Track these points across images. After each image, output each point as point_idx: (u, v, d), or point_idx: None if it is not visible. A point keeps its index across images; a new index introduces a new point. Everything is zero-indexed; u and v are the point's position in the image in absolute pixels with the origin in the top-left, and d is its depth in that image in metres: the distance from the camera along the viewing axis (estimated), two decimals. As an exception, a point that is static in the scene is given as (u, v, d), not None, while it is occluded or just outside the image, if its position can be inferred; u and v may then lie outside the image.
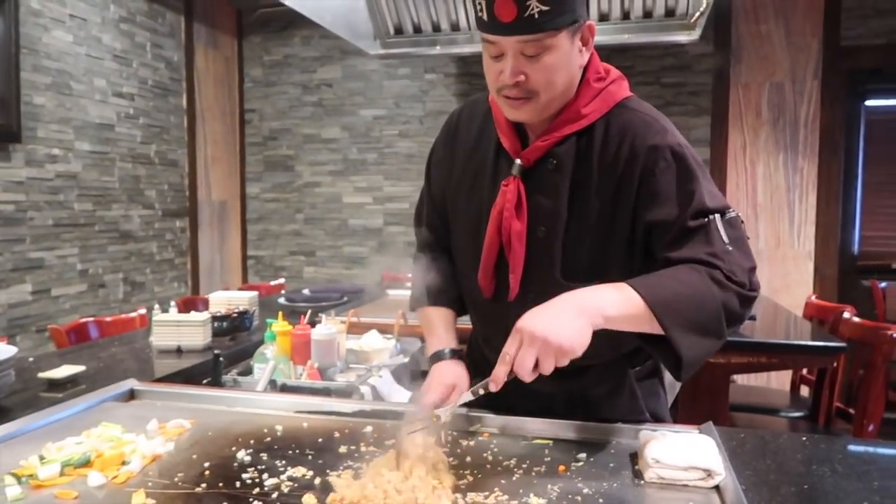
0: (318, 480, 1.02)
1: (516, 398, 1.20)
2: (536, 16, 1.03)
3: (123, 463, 1.06)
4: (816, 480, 1.04)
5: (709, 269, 1.05)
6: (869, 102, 4.15)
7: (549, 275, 1.18)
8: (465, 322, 1.43)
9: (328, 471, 1.05)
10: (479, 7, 1.07)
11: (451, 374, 1.23)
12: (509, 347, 0.99)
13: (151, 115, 4.11)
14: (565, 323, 0.98)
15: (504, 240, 1.19)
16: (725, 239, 1.08)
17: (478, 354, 1.40)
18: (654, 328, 1.04)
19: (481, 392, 1.05)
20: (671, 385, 1.40)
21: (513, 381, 1.02)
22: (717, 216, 1.09)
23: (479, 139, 1.28)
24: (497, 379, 1.00)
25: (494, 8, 1.04)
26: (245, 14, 4.95)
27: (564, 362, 0.98)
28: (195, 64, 4.50)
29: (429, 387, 1.20)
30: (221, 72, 4.82)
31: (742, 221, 1.13)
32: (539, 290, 1.16)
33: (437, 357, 1.27)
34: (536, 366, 0.98)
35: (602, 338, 1.02)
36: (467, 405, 1.14)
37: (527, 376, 0.98)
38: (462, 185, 1.30)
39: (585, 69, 1.17)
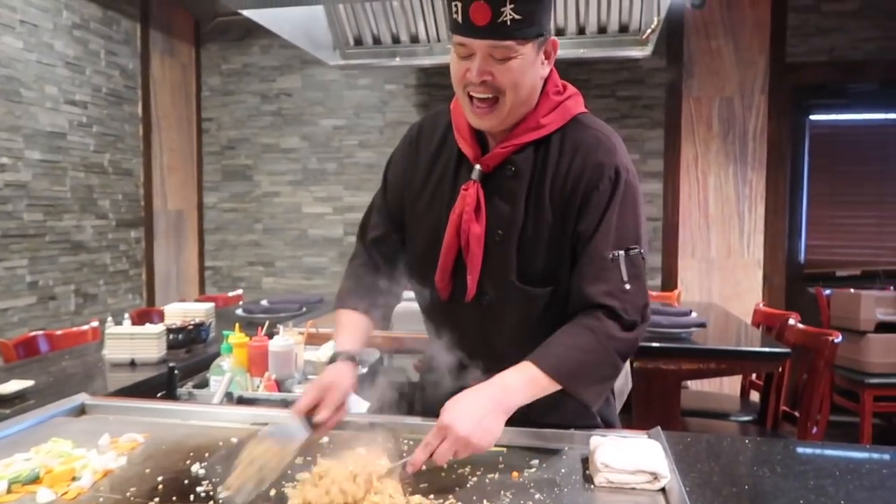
0: (272, 492, 1.02)
1: None
2: (509, 23, 1.09)
3: (74, 479, 1.05)
4: (757, 481, 1.08)
5: (601, 323, 1.16)
6: (813, 117, 4.33)
7: (505, 277, 1.23)
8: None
9: (283, 482, 1.05)
10: (454, 9, 1.11)
11: (332, 375, 1.21)
12: (432, 439, 1.05)
13: (105, 123, 4.03)
14: (486, 424, 1.07)
15: (462, 242, 1.23)
16: (625, 277, 1.18)
17: (432, 359, 1.43)
18: (557, 388, 1.16)
19: (399, 471, 1.06)
20: (620, 391, 1.44)
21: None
22: (623, 253, 1.19)
23: (440, 148, 1.32)
24: (416, 463, 1.05)
25: (470, 11, 1.09)
26: (203, 22, 4.90)
27: (474, 453, 1.07)
28: (151, 72, 4.43)
29: (307, 389, 1.20)
30: (178, 80, 4.76)
31: (644, 259, 1.22)
32: (495, 291, 1.23)
33: (331, 360, 1.28)
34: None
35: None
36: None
37: (443, 463, 1.06)
38: (423, 192, 1.32)
39: (546, 82, 1.23)
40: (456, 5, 1.10)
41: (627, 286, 1.18)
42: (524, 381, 1.13)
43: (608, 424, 1.37)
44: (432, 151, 1.33)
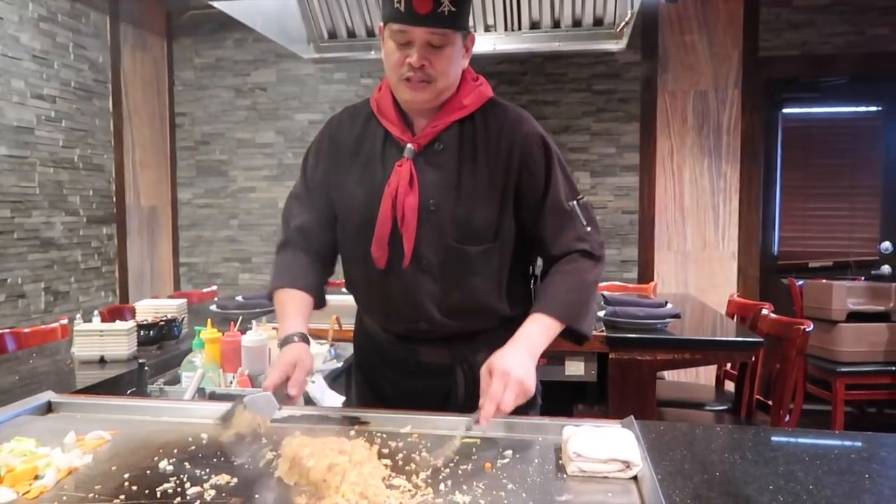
0: (235, 481, 1.01)
1: (416, 378, 1.39)
2: (446, 13, 1.25)
3: (36, 477, 1.02)
4: (727, 468, 1.09)
5: (579, 264, 1.37)
6: (786, 110, 4.38)
7: (442, 241, 1.36)
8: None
9: (253, 476, 1.03)
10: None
11: (294, 354, 1.31)
12: (495, 389, 1.17)
13: (75, 118, 3.96)
14: (530, 370, 1.23)
15: (398, 214, 1.35)
16: (584, 221, 1.39)
17: (363, 339, 1.56)
18: (562, 328, 1.34)
19: (474, 426, 1.17)
20: None
21: (413, 362, 1.34)
22: (575, 203, 1.39)
23: (362, 136, 1.43)
24: (487, 416, 1.16)
25: (413, 1, 1.23)
26: (175, 15, 4.83)
27: (522, 402, 1.21)
28: (122, 66, 4.35)
29: (272, 368, 1.30)
30: (150, 74, 4.69)
31: (590, 204, 1.44)
32: (431, 255, 1.37)
33: (286, 341, 1.35)
34: None
35: (489, 301, 1.38)
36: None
37: (506, 412, 1.18)
38: (350, 175, 1.43)
39: (463, 71, 1.40)
40: None
41: (588, 228, 1.39)
42: (541, 329, 1.30)
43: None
44: (355, 138, 1.44)
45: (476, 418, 1.16)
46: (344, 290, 1.57)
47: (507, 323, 1.41)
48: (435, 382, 1.45)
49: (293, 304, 1.44)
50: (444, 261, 1.37)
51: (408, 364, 1.45)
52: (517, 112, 1.41)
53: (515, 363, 1.21)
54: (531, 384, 1.21)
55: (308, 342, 1.37)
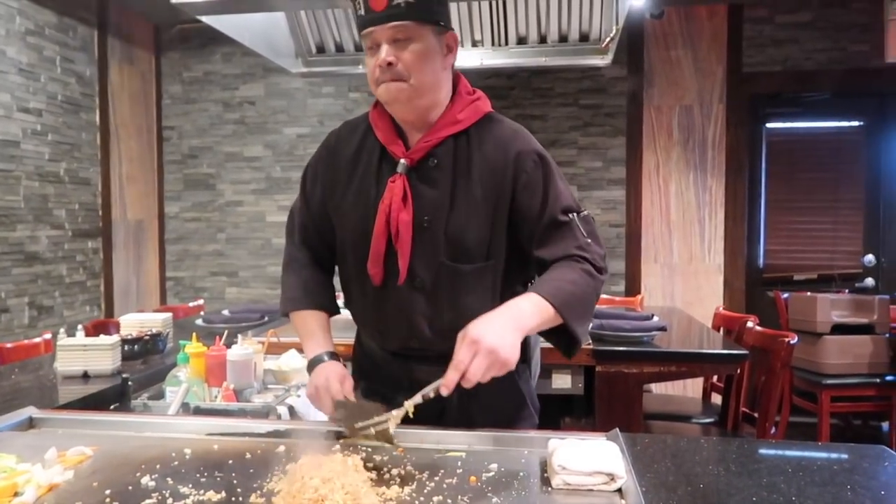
0: (219, 496, 1.00)
1: (409, 394, 1.28)
2: (403, 5, 1.23)
3: (16, 494, 1.01)
4: (711, 480, 1.10)
5: (582, 265, 1.28)
6: (769, 125, 4.44)
7: (435, 259, 1.34)
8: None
9: (239, 491, 1.03)
10: (357, 5, 1.26)
11: (336, 371, 1.33)
12: (463, 355, 1.13)
13: (61, 131, 3.94)
14: (509, 339, 1.16)
15: (392, 230, 1.32)
16: (583, 233, 1.32)
17: (362, 357, 1.54)
18: (555, 322, 1.25)
19: (431, 395, 1.13)
20: (534, 371, 1.56)
21: (407, 379, 1.23)
22: (576, 215, 1.33)
23: (359, 151, 1.41)
24: (450, 384, 1.12)
25: (370, 1, 1.23)
26: (163, 29, 4.84)
27: (502, 374, 1.15)
28: (109, 79, 4.35)
29: (319, 397, 1.31)
30: (137, 88, 4.68)
31: (593, 218, 1.38)
32: (425, 272, 1.34)
33: (317, 361, 1.37)
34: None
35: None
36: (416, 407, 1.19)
37: (474, 382, 1.12)
38: (348, 191, 1.41)
39: (457, 85, 1.38)
40: (358, 2, 1.25)
41: (588, 240, 1.32)
42: (533, 306, 1.22)
43: (531, 401, 1.48)
44: (352, 153, 1.42)
45: (437, 386, 1.13)
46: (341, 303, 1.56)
47: None
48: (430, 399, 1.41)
49: (314, 320, 1.44)
50: (437, 279, 1.34)
51: (402, 382, 1.38)
52: (513, 129, 1.38)
53: (491, 330, 1.15)
54: (509, 355, 1.14)
55: (337, 358, 1.38)
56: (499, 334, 1.14)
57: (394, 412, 1.18)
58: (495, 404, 1.40)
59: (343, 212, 1.42)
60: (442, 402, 1.38)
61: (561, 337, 1.28)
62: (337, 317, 1.52)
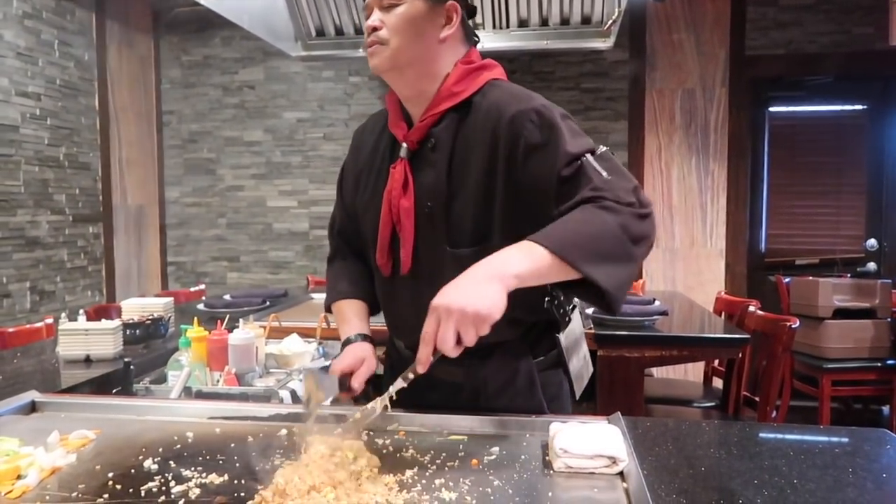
0: (221, 479, 1.00)
1: (424, 390, 1.21)
2: None
3: (19, 477, 1.01)
4: (713, 463, 1.10)
5: (596, 203, 1.09)
6: (772, 109, 4.41)
7: (437, 246, 1.27)
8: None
9: (241, 474, 1.03)
10: None
11: (360, 350, 1.31)
12: (428, 327, 1.03)
13: (60, 115, 3.92)
14: (478, 291, 1.01)
15: (395, 218, 1.28)
16: (602, 172, 1.13)
17: (392, 352, 1.48)
18: (569, 273, 1.06)
19: (411, 377, 1.10)
20: (579, 375, 1.42)
21: (433, 365, 1.07)
22: (588, 156, 1.15)
23: (378, 140, 1.39)
24: (421, 360, 1.05)
25: None
26: (162, 13, 4.80)
27: (485, 330, 1.01)
28: (108, 63, 4.32)
29: (343, 356, 1.30)
30: (136, 72, 4.65)
31: (613, 154, 1.19)
32: (430, 261, 1.28)
33: (347, 342, 1.36)
34: (459, 341, 1.01)
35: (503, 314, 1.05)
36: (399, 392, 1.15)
37: (451, 351, 1.01)
38: (368, 182, 1.38)
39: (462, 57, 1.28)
40: None
41: (609, 177, 1.12)
42: (521, 252, 1.06)
43: (559, 411, 1.35)
44: (372, 144, 1.39)
45: (412, 368, 1.08)
46: None
47: (528, 333, 1.32)
48: (445, 396, 1.32)
49: (350, 309, 1.42)
50: (440, 268, 1.24)
51: (419, 378, 1.22)
52: (512, 92, 1.24)
53: (452, 291, 1.02)
54: (479, 307, 0.99)
55: (373, 343, 1.36)
56: (462, 291, 1.01)
57: (377, 400, 1.16)
58: (509, 413, 1.29)
59: (362, 203, 1.40)
60: (459, 402, 1.31)
61: (589, 288, 1.08)
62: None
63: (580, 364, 1.43)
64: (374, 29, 1.23)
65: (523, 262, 1.05)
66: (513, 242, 1.11)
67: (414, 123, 1.30)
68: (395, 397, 1.15)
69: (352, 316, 1.41)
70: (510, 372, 1.33)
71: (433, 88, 1.26)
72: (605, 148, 1.18)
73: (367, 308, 1.45)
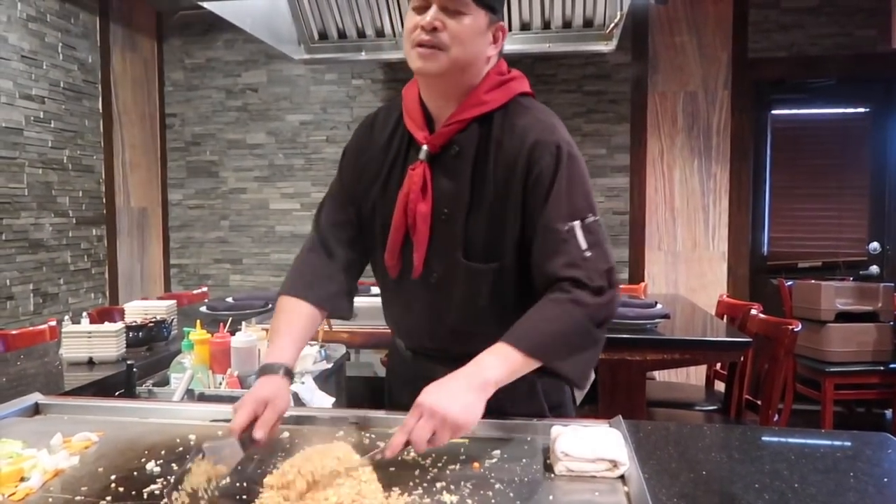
0: (224, 482, 1.00)
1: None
2: None
3: (22, 479, 1.02)
4: (714, 467, 1.10)
5: (567, 294, 1.16)
6: (774, 111, 4.41)
7: (451, 254, 1.26)
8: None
9: (242, 477, 1.03)
10: None
11: (270, 389, 1.14)
12: (409, 419, 1.04)
13: (64, 118, 3.94)
14: (463, 401, 1.06)
15: (410, 221, 1.27)
16: (584, 245, 1.18)
17: (392, 344, 1.48)
18: (539, 366, 1.16)
19: (378, 457, 1.04)
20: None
21: (422, 379, 1.09)
22: (578, 223, 1.19)
23: (392, 135, 1.35)
24: (393, 447, 1.03)
25: None
26: (165, 16, 4.81)
27: (458, 436, 1.06)
28: (112, 66, 4.33)
29: (242, 403, 1.11)
30: (140, 75, 4.67)
31: (601, 225, 1.23)
32: (441, 268, 1.27)
33: (267, 370, 1.19)
34: (431, 440, 1.03)
35: (495, 325, 1.16)
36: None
37: (421, 447, 1.02)
38: (378, 177, 1.34)
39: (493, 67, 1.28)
40: None
41: (588, 254, 1.18)
42: (497, 358, 1.12)
43: (561, 414, 1.37)
44: (386, 138, 1.35)
45: (382, 450, 1.04)
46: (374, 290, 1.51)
47: None
48: None
49: (293, 323, 1.28)
50: (451, 276, 1.27)
51: (417, 381, 1.19)
52: (538, 117, 1.26)
53: (439, 393, 1.06)
54: (458, 417, 1.03)
55: (291, 377, 1.21)
56: (448, 396, 1.05)
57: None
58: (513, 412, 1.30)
59: (368, 200, 1.36)
60: None
61: (556, 377, 1.20)
62: (369, 302, 1.46)
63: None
64: (434, 29, 1.17)
65: (501, 367, 1.11)
66: (521, 264, 1.22)
67: (434, 123, 1.29)
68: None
69: (286, 334, 1.26)
70: (518, 383, 1.29)
71: (464, 95, 1.26)
72: (595, 217, 1.22)
73: (318, 315, 1.32)
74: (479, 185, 1.25)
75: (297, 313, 1.30)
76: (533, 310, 1.18)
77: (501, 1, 1.26)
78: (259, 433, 1.07)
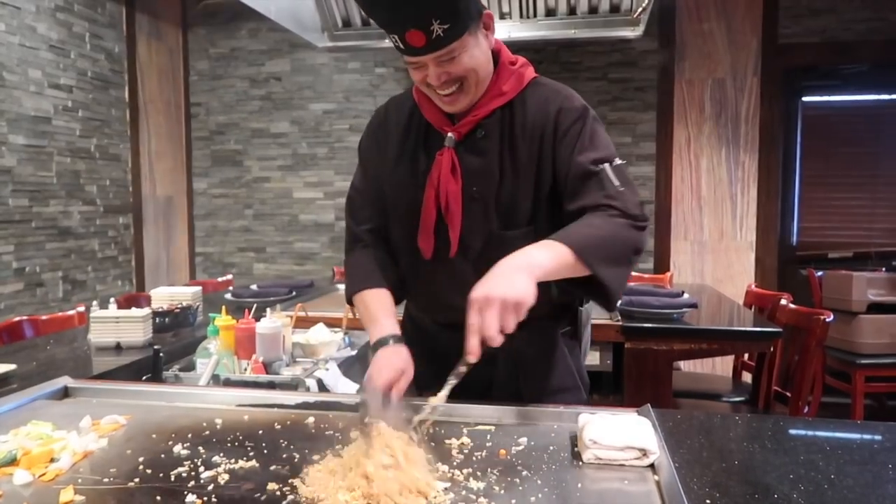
0: (249, 465, 1.00)
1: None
2: (441, 34, 1.18)
3: (52, 460, 1.03)
4: (746, 457, 1.07)
5: (609, 211, 1.23)
6: (805, 98, 4.31)
7: (486, 228, 1.33)
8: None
9: (270, 460, 1.03)
10: (394, 39, 1.21)
11: (399, 358, 1.25)
12: (472, 318, 1.08)
13: (91, 107, 3.98)
14: (511, 281, 1.10)
15: (442, 202, 1.32)
16: (616, 182, 1.26)
17: (412, 329, 1.49)
18: (582, 271, 1.19)
19: (463, 370, 1.10)
20: (585, 347, 1.55)
21: (456, 350, 1.12)
22: (608, 165, 1.28)
23: (408, 125, 1.40)
24: (472, 350, 1.07)
25: (406, 38, 1.19)
26: (190, 5, 4.84)
27: (523, 315, 1.09)
28: (137, 55, 4.37)
29: (379, 370, 1.21)
30: (165, 64, 4.70)
31: (628, 167, 1.33)
32: (477, 244, 1.33)
33: (381, 344, 1.28)
34: (502, 328, 1.07)
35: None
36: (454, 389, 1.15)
37: (496, 339, 1.07)
38: (399, 165, 1.40)
39: (499, 55, 1.35)
40: (394, 37, 1.21)
41: (621, 188, 1.26)
42: (545, 248, 1.17)
43: (580, 375, 1.48)
44: (402, 128, 1.41)
45: (464, 360, 1.09)
46: None
47: (559, 311, 1.42)
48: (477, 371, 1.28)
49: (379, 303, 1.37)
50: (486, 248, 1.32)
51: (450, 353, 1.22)
52: (555, 88, 1.36)
53: (490, 283, 1.10)
54: (518, 295, 1.07)
55: (403, 342, 1.30)
56: (499, 281, 1.09)
57: (432, 400, 1.15)
58: (543, 378, 1.40)
59: (392, 187, 1.41)
60: (490, 375, 1.40)
61: (593, 287, 1.21)
62: None
63: (587, 341, 1.57)
64: (447, 83, 1.24)
65: (547, 257, 1.16)
66: (556, 225, 1.25)
67: (455, 116, 1.34)
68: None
69: (379, 313, 1.35)
70: (542, 343, 1.41)
71: (485, 89, 1.32)
72: (621, 161, 1.31)
73: (393, 299, 1.42)
74: (509, 160, 1.31)
75: (380, 295, 1.39)
76: (582, 219, 1.24)
77: (477, 7, 1.25)
78: (396, 397, 1.18)
